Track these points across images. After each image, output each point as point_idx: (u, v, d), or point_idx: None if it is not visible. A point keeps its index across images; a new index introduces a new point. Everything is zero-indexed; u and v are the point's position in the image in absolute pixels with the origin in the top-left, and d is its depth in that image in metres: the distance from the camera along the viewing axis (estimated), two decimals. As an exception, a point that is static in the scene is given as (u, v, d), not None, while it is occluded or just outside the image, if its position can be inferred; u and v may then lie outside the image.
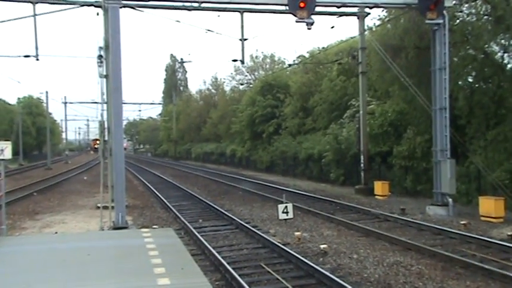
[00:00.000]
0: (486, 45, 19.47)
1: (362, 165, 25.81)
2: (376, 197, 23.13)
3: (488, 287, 9.45)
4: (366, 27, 25.02)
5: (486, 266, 10.33)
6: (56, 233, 15.34)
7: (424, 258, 11.52)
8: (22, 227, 16.96)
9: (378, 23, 23.49)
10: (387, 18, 22.56)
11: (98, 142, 18.59)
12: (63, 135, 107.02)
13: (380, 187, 23.46)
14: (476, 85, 20.63)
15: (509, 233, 13.65)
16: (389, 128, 25.84)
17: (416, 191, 23.00)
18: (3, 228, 12.07)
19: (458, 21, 20.42)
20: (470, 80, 21.20)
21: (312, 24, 17.71)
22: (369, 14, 23.79)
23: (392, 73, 21.23)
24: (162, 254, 9.12)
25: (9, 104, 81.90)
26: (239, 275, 9.74)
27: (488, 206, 16.46)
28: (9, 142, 12.49)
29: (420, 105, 20.50)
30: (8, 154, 12.13)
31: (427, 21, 18.50)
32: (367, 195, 23.84)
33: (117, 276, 7.90)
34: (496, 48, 20.01)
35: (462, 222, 15.47)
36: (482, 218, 16.43)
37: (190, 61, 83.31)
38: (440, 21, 18.33)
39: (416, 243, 12.73)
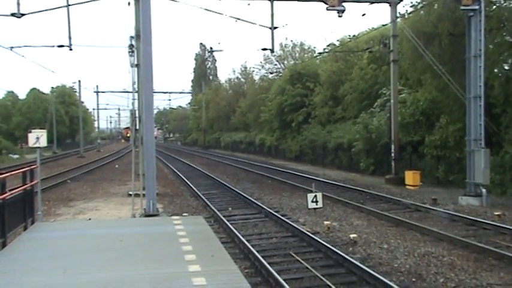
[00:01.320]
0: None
1: (392, 154, 25.47)
2: (407, 186, 22.82)
3: (523, 280, 9.24)
4: (398, 14, 24.56)
5: (521, 258, 10.09)
6: (90, 219, 15.70)
7: (456, 249, 11.33)
8: (57, 213, 17.43)
9: (410, 9, 23.04)
10: (420, 5, 22.10)
11: (129, 131, 18.81)
12: (95, 124, 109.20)
13: (411, 177, 23.11)
14: (513, 73, 20.11)
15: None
16: (421, 117, 25.40)
17: (449, 181, 22.60)
18: (39, 214, 12.40)
19: (494, 7, 19.89)
20: (506, 67, 20.66)
21: (343, 11, 17.56)
22: (401, 0, 23.38)
23: (425, 61, 20.84)
24: (193, 241, 9.22)
25: (43, 93, 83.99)
26: (268, 263, 9.78)
27: (524, 197, 16.10)
28: (44, 130, 12.78)
29: (453, 94, 20.08)
30: (43, 142, 12.42)
31: (462, 8, 18.05)
32: (397, 185, 23.54)
33: (149, 262, 8.03)
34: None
35: (496, 213, 15.11)
36: (517, 209, 16.07)
37: (219, 50, 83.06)
38: (476, 7, 17.84)
39: (448, 233, 12.52)
